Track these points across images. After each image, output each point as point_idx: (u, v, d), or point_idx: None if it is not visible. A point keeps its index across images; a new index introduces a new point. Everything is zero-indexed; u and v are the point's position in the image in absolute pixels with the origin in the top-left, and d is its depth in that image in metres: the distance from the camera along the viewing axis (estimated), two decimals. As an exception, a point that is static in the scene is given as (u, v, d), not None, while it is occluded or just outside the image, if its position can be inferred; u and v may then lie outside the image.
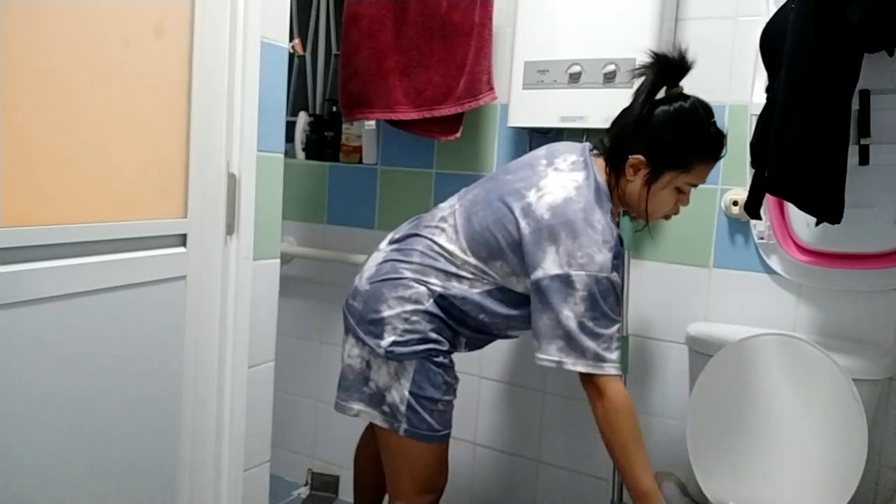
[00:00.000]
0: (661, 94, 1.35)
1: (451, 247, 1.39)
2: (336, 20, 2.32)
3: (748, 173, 1.58)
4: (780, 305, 1.62)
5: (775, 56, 1.36)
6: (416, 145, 2.01)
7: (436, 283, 1.38)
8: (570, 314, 1.26)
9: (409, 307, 1.36)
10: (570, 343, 1.27)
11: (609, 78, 1.58)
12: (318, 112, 2.37)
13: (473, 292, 1.38)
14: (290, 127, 2.19)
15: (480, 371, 2.00)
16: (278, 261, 1.42)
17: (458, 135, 1.86)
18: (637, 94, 1.33)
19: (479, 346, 1.53)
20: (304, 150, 2.26)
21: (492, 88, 1.80)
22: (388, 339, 1.36)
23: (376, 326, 1.38)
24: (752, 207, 1.44)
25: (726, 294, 1.68)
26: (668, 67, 1.32)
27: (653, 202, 1.36)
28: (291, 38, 1.94)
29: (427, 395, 1.36)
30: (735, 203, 1.62)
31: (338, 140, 2.21)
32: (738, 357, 1.47)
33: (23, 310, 0.97)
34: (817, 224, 1.33)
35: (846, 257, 1.51)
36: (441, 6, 1.77)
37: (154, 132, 1.15)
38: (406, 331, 1.36)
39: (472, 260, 1.38)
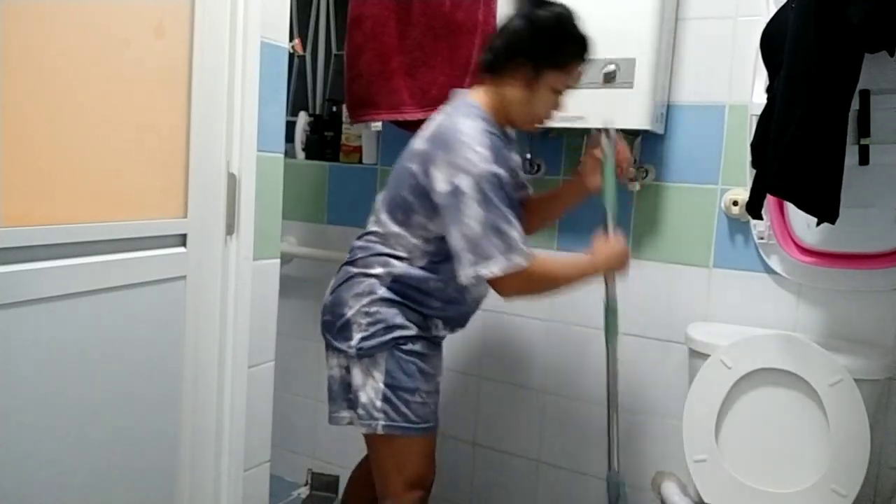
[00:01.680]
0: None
1: (378, 228, 1.45)
2: (336, 20, 2.32)
3: (748, 173, 1.58)
4: (780, 305, 1.62)
5: (775, 56, 1.36)
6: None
7: (380, 270, 1.42)
8: (469, 221, 1.29)
9: (366, 300, 1.41)
10: (478, 249, 1.29)
11: (609, 78, 1.58)
12: (318, 112, 2.37)
13: (415, 266, 1.41)
14: (290, 127, 2.19)
15: (480, 371, 2.00)
16: (278, 261, 1.42)
17: None
18: (518, 6, 1.42)
19: (461, 323, 1.54)
20: (304, 150, 2.26)
21: None
22: (357, 336, 1.40)
23: (345, 330, 1.42)
24: (754, 207, 1.44)
25: (726, 294, 1.68)
26: None
27: (534, 103, 1.40)
28: (291, 38, 1.94)
29: (402, 386, 1.38)
30: (735, 203, 1.62)
31: (338, 140, 2.21)
32: (738, 357, 1.47)
33: (23, 310, 0.97)
34: (818, 224, 1.33)
35: (846, 257, 1.51)
36: (444, 6, 1.76)
37: (154, 132, 1.15)
38: (370, 324, 1.39)
39: (395, 229, 1.42)
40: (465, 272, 1.31)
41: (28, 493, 1.01)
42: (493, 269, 1.29)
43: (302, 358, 2.24)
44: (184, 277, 1.22)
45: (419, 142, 1.40)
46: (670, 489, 1.66)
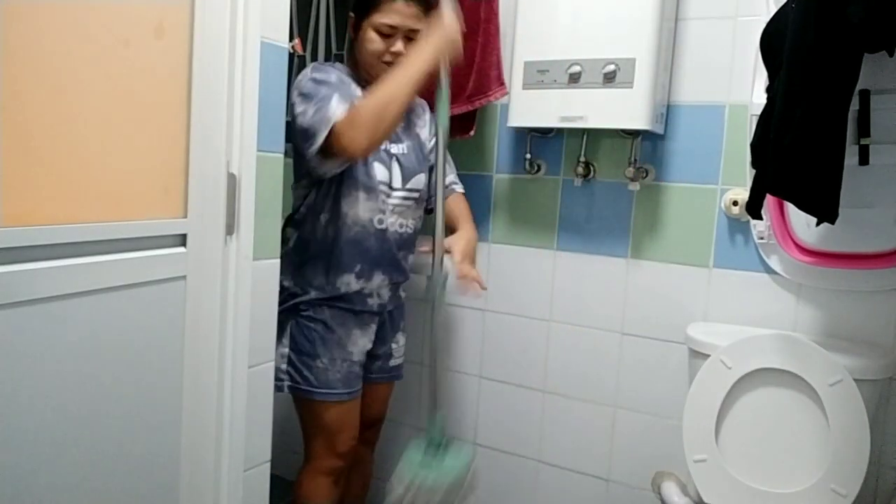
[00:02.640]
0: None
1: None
2: (336, 20, 2.32)
3: (748, 173, 1.59)
4: (780, 305, 1.62)
5: (775, 56, 1.36)
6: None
7: (290, 230, 1.57)
8: (298, 104, 1.46)
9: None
10: (313, 116, 1.42)
11: (609, 78, 1.58)
12: (318, 112, 2.36)
13: (298, 222, 1.56)
14: (291, 127, 2.19)
15: (480, 371, 2.01)
16: (278, 261, 1.42)
17: (472, 133, 1.86)
18: None
19: (378, 264, 1.57)
20: (304, 150, 2.25)
21: (502, 84, 1.79)
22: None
23: None
24: (754, 207, 1.44)
25: (726, 294, 1.68)
26: None
27: (362, 49, 1.51)
28: (291, 38, 1.94)
29: (303, 350, 1.49)
30: (735, 203, 1.62)
31: (338, 140, 2.20)
32: (738, 357, 1.47)
33: (23, 310, 0.97)
34: (818, 224, 1.33)
35: (846, 257, 1.51)
36: None
37: (154, 132, 1.15)
38: (281, 290, 1.46)
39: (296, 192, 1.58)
40: (308, 141, 1.42)
41: (28, 493, 1.01)
42: (321, 132, 1.40)
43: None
44: (184, 277, 1.22)
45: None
46: (670, 489, 1.66)
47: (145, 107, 1.13)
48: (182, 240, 1.22)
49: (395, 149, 1.59)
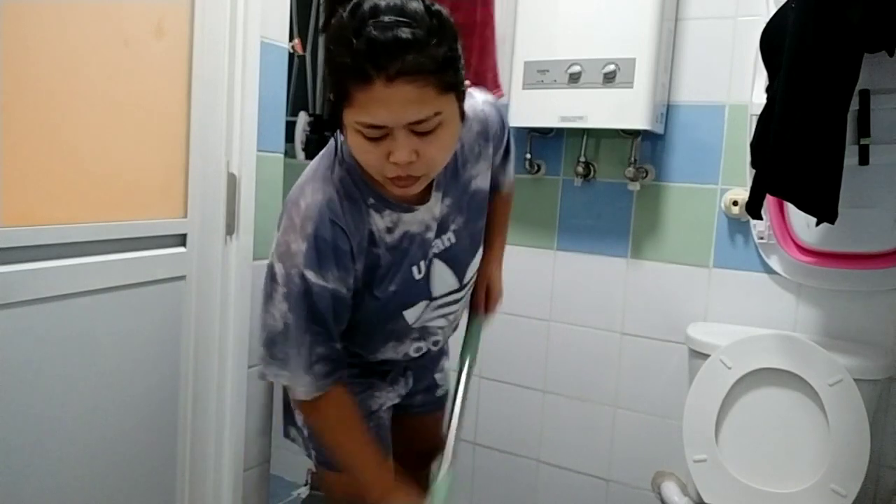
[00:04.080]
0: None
1: None
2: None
3: (748, 173, 1.58)
4: (780, 305, 1.62)
5: (775, 56, 1.36)
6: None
7: None
8: (276, 312, 1.01)
9: None
10: (274, 348, 1.03)
11: (609, 78, 1.58)
12: (318, 112, 2.37)
13: None
14: (290, 127, 2.19)
15: (480, 371, 2.00)
16: (278, 261, 1.42)
17: None
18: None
19: (381, 374, 1.25)
20: (304, 150, 2.26)
21: (498, 86, 1.80)
22: None
23: None
24: (754, 207, 1.44)
25: (726, 294, 1.68)
26: None
27: (354, 152, 0.95)
28: (291, 38, 1.94)
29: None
30: (735, 203, 1.62)
31: (338, 140, 2.20)
32: (738, 357, 1.47)
33: (23, 310, 0.97)
34: (817, 224, 1.33)
35: (846, 257, 1.51)
36: (442, 5, 1.77)
37: (154, 132, 1.15)
38: None
39: None
40: (259, 364, 1.06)
41: (28, 493, 1.01)
42: (273, 377, 1.05)
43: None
44: (184, 277, 1.22)
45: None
46: (670, 489, 1.66)
47: (145, 107, 1.13)
48: (182, 240, 1.22)
49: (439, 245, 1.12)
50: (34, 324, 0.99)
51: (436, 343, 1.24)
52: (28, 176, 0.98)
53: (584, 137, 1.77)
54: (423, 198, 1.07)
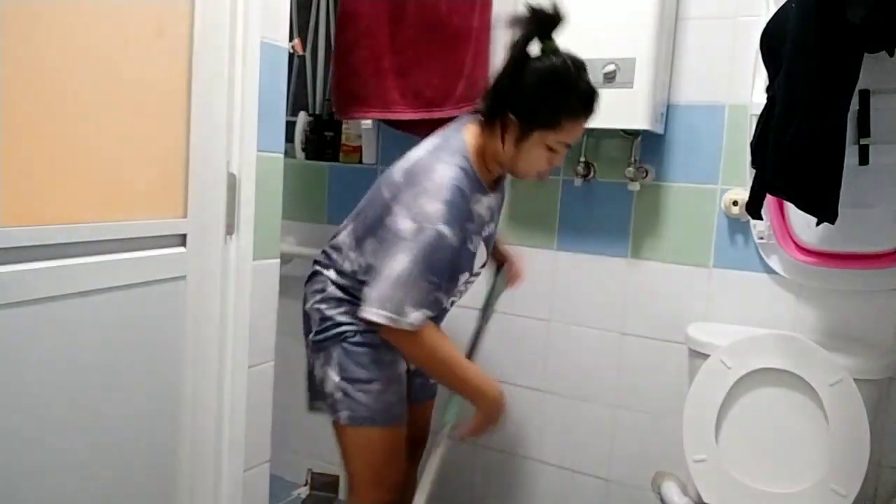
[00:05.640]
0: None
1: (341, 237, 1.45)
2: (336, 20, 2.32)
3: (748, 173, 1.59)
4: (780, 305, 1.62)
5: (775, 56, 1.36)
6: (415, 146, 2.01)
7: (334, 274, 1.43)
8: (394, 264, 1.25)
9: (319, 297, 1.44)
10: (384, 292, 1.25)
11: (609, 78, 1.58)
12: (318, 112, 2.36)
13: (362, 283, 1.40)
14: (290, 127, 2.19)
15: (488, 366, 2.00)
16: (278, 261, 1.42)
17: None
18: (510, 48, 1.30)
19: None
20: (303, 150, 2.26)
21: None
22: (313, 330, 1.44)
23: (305, 323, 1.48)
24: (753, 207, 1.44)
25: (726, 294, 1.68)
26: (540, 19, 1.27)
27: (523, 161, 1.34)
28: (291, 38, 1.94)
29: (355, 377, 1.38)
30: (735, 203, 1.62)
31: (338, 140, 2.20)
32: (738, 357, 1.47)
33: (23, 310, 0.97)
34: (818, 224, 1.33)
35: (846, 257, 1.51)
36: (440, 10, 1.76)
37: (154, 132, 1.15)
38: (322, 319, 1.43)
39: (349, 241, 1.41)
40: (368, 305, 1.27)
41: (27, 493, 1.01)
42: (380, 318, 1.26)
43: (302, 358, 2.24)
44: (184, 277, 1.22)
45: (398, 172, 1.37)
46: (670, 489, 1.66)
47: (145, 107, 1.13)
48: (182, 240, 1.22)
49: (487, 230, 1.44)
50: (34, 324, 0.99)
51: (442, 317, 1.49)
52: (28, 176, 0.98)
53: (584, 137, 1.77)
54: (496, 187, 1.44)
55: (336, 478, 2.23)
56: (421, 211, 1.26)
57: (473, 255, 1.40)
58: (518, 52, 1.28)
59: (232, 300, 1.30)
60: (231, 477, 1.34)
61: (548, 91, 1.27)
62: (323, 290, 1.44)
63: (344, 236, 1.44)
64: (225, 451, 1.33)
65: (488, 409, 1.38)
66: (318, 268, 1.48)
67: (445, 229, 1.25)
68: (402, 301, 1.25)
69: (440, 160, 1.32)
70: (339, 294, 1.42)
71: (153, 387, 1.20)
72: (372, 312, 1.26)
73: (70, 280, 1.03)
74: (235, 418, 1.33)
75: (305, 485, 2.30)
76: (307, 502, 2.24)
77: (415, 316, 1.26)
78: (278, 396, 1.48)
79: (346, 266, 1.41)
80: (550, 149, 1.32)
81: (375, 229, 1.36)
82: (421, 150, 1.39)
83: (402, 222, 1.27)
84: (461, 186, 1.29)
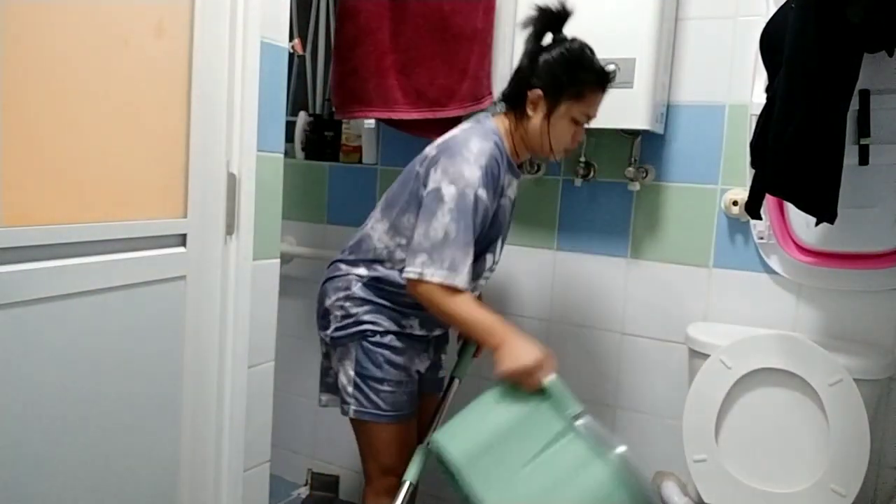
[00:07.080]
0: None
1: (369, 228, 1.51)
2: (335, 17, 2.32)
3: (748, 173, 1.59)
4: (780, 305, 1.62)
5: (775, 56, 1.36)
6: (415, 145, 1.99)
7: (363, 270, 1.49)
8: (437, 225, 1.33)
9: (342, 294, 1.48)
10: (434, 253, 1.32)
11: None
12: (318, 112, 2.37)
13: (395, 271, 1.45)
14: (290, 127, 2.19)
15: (480, 371, 2.00)
16: (278, 261, 1.42)
17: None
18: (527, 42, 1.45)
19: (441, 325, 1.56)
20: (304, 150, 2.26)
21: (491, 92, 1.80)
22: (332, 326, 1.49)
23: (323, 319, 1.52)
24: (753, 207, 1.44)
25: (726, 294, 1.68)
26: (550, 16, 1.42)
27: (553, 132, 1.43)
28: (291, 38, 1.94)
29: (370, 375, 1.45)
30: (735, 203, 1.62)
31: (338, 140, 2.20)
32: (738, 357, 1.47)
33: (23, 310, 0.97)
34: (817, 224, 1.33)
35: (846, 257, 1.51)
36: (443, 9, 1.76)
37: (154, 132, 1.15)
38: (343, 316, 1.47)
39: (384, 227, 1.46)
40: (413, 267, 1.34)
41: (28, 493, 1.01)
42: (435, 277, 1.31)
43: (302, 358, 2.24)
44: (184, 277, 1.22)
45: (431, 147, 1.46)
46: (670, 489, 1.66)
47: (145, 106, 1.13)
48: (182, 240, 1.22)
49: (507, 217, 1.53)
50: (34, 324, 0.99)
51: (479, 287, 1.55)
52: (28, 176, 0.98)
53: (584, 137, 1.77)
54: (522, 172, 1.60)
55: (336, 478, 2.24)
56: (460, 176, 1.34)
57: (501, 228, 1.49)
58: (533, 44, 1.43)
59: (232, 300, 1.30)
60: (231, 477, 1.34)
61: (571, 66, 1.40)
62: (347, 288, 1.48)
63: (371, 228, 1.50)
64: (225, 451, 1.33)
65: (513, 372, 1.37)
66: (342, 265, 1.52)
67: (483, 193, 1.35)
68: (453, 259, 1.31)
69: (475, 135, 1.41)
70: (366, 294, 1.47)
71: (153, 386, 1.20)
72: (416, 272, 1.32)
73: (70, 280, 1.03)
74: (235, 418, 1.33)
75: (305, 485, 2.30)
76: (307, 502, 2.24)
77: (464, 275, 1.32)
78: (278, 396, 1.48)
79: (382, 253, 1.46)
80: (575, 121, 1.43)
81: (412, 204, 1.42)
82: (454, 131, 1.47)
83: (444, 188, 1.34)
84: (497, 158, 1.39)
